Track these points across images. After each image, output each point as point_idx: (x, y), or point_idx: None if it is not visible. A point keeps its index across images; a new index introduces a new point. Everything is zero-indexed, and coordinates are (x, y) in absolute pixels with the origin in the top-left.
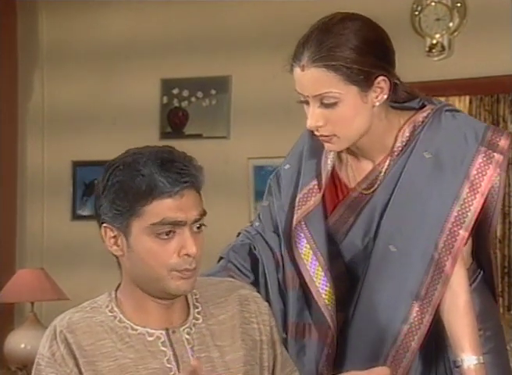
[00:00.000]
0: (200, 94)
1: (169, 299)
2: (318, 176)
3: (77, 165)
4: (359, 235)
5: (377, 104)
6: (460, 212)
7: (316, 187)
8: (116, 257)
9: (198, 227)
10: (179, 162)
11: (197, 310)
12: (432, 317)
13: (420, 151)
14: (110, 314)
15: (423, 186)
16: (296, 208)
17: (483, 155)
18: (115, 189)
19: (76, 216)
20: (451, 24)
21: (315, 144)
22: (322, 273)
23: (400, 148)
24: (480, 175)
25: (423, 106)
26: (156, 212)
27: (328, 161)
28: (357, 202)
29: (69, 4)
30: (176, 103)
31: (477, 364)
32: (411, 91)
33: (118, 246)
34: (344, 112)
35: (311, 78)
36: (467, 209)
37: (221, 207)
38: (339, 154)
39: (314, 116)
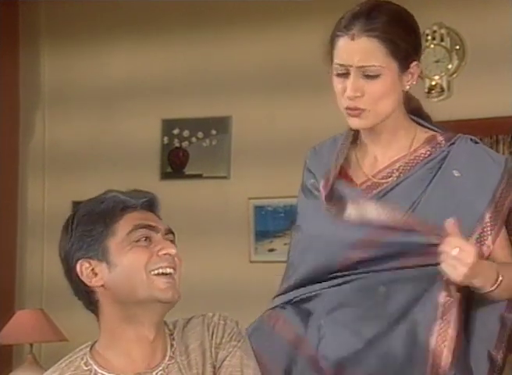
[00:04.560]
0: (200, 135)
1: (158, 317)
2: (326, 179)
3: (78, 205)
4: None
5: (407, 88)
6: (483, 230)
7: (322, 190)
8: (95, 306)
9: (172, 241)
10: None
11: (172, 349)
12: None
13: (449, 169)
14: (85, 368)
15: (450, 202)
16: None
17: (505, 180)
18: (83, 223)
19: None
20: (450, 66)
21: (320, 156)
22: None
23: (423, 157)
24: (503, 198)
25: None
26: (128, 223)
27: (337, 163)
28: (369, 191)
29: (71, 45)
30: (176, 143)
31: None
32: (419, 106)
33: (96, 275)
34: (382, 87)
35: (362, 47)
36: (491, 228)
37: (221, 247)
38: (348, 155)
39: (354, 87)
